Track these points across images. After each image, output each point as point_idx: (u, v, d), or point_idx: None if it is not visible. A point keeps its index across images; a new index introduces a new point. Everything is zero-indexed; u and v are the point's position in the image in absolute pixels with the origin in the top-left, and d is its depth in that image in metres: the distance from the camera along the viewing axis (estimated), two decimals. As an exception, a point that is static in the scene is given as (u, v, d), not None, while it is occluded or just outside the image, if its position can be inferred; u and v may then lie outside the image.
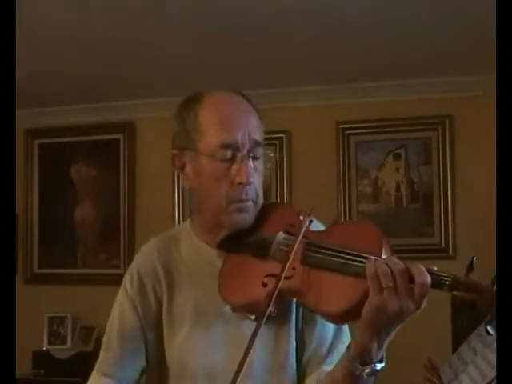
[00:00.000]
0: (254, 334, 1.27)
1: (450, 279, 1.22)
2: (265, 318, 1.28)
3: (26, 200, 4.76)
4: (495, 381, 1.76)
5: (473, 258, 1.23)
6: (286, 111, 4.24)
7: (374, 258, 1.25)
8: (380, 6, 2.98)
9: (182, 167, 1.49)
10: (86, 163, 4.70)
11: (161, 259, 1.55)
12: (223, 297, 1.42)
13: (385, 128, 4.20)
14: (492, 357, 1.89)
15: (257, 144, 1.44)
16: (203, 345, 1.45)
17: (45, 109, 4.66)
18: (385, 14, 3.07)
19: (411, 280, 1.21)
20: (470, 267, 1.21)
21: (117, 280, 1.75)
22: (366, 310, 1.23)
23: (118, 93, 4.36)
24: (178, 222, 4.43)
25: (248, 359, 1.27)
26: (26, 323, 4.15)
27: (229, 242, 1.46)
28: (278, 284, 1.30)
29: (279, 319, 1.41)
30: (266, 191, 3.66)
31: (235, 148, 1.41)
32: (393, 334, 1.26)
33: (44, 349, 4.47)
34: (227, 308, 1.44)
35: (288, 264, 1.32)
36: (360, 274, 1.25)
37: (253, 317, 1.39)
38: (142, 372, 1.54)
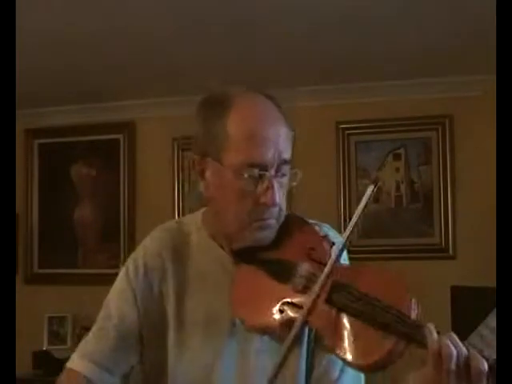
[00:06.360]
0: (280, 365, 1.25)
1: None
2: (285, 351, 1.24)
3: (26, 200, 4.76)
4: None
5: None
6: (286, 111, 4.23)
7: (433, 330, 1.16)
8: (380, 5, 2.98)
9: (202, 173, 1.42)
10: (85, 163, 4.70)
11: (169, 254, 1.48)
12: (236, 313, 1.36)
13: (385, 128, 4.20)
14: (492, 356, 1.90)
15: (285, 162, 1.38)
16: (213, 357, 1.41)
17: (45, 109, 4.66)
18: (385, 14, 3.07)
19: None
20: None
21: (117, 280, 1.75)
22: None
23: (118, 93, 4.36)
24: (178, 222, 4.42)
25: (253, 376, 1.28)
26: (26, 323, 4.15)
27: (246, 252, 1.40)
28: (302, 321, 1.26)
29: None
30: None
31: (263, 168, 1.34)
32: None
33: (44, 349, 4.46)
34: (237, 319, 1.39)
35: (312, 300, 1.26)
36: (391, 329, 1.18)
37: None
38: (132, 366, 1.49)
